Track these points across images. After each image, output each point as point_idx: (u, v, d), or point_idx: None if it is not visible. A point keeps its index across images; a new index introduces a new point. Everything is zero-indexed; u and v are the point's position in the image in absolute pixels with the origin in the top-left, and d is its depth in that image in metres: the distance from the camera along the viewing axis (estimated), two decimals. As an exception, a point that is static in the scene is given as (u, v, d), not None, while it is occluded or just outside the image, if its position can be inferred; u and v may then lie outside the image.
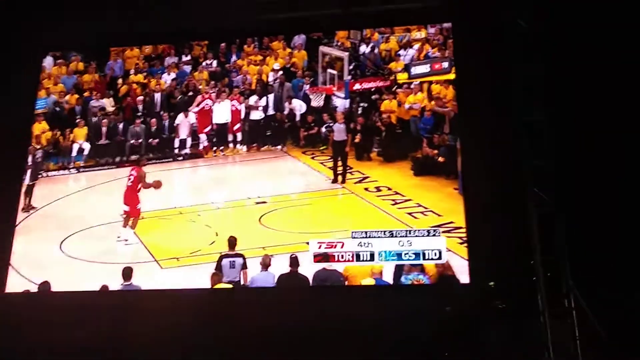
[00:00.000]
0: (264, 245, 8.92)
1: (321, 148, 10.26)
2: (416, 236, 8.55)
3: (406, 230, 8.63)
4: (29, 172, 9.98)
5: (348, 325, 7.95)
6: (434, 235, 8.55)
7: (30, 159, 10.05)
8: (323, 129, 10.25)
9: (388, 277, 8.46)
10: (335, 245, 8.59)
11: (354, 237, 8.62)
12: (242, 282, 8.65)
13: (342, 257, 8.56)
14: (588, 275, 7.98)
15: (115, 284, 8.72)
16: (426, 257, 8.42)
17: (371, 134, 10.00)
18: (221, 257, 8.77)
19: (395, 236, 8.58)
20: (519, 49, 8.60)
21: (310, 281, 8.46)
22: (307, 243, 8.69)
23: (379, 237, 8.60)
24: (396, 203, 9.31)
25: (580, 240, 8.13)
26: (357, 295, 8.65)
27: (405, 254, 8.48)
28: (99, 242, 9.37)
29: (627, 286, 7.90)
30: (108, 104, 10.79)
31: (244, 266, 8.70)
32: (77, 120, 10.63)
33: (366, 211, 9.28)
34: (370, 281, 8.48)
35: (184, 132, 10.68)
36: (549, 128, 8.41)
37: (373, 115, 10.01)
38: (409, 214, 9.08)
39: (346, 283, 8.49)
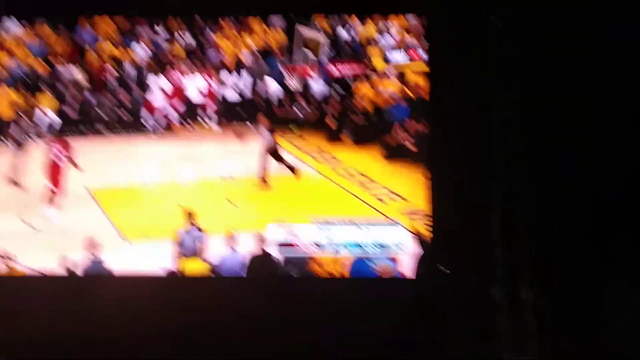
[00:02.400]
0: (232, 223, 8.90)
1: (292, 127, 10.33)
2: (378, 225, 8.61)
3: (368, 221, 8.68)
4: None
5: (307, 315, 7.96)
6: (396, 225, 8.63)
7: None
8: (295, 109, 10.29)
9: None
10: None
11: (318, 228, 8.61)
12: (202, 254, 8.65)
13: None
14: (548, 271, 7.98)
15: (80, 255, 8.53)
16: (387, 249, 8.47)
17: (344, 117, 10.08)
18: (180, 231, 8.76)
19: (357, 226, 8.57)
20: (494, 44, 8.71)
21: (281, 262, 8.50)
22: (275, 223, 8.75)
23: (340, 226, 8.58)
24: (365, 187, 9.44)
25: (543, 236, 8.10)
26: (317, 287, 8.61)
27: (367, 244, 8.52)
28: (62, 215, 9.23)
29: (587, 283, 7.90)
30: (78, 72, 10.55)
31: (203, 238, 8.72)
32: (43, 90, 10.39)
33: (335, 193, 9.41)
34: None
35: (155, 102, 10.58)
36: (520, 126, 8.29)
37: (348, 100, 10.11)
38: (378, 198, 9.23)
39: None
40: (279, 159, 9.77)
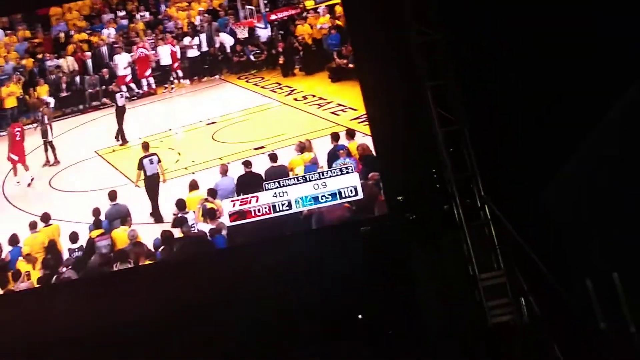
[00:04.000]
0: (221, 156, 10.80)
1: (252, 72, 12.13)
2: (330, 177, 9.22)
3: (319, 173, 9.36)
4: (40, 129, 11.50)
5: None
6: (346, 173, 9.28)
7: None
8: (251, 56, 12.17)
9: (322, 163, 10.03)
10: (250, 201, 9.24)
11: (268, 189, 9.38)
12: (160, 175, 10.39)
13: (259, 211, 9.22)
14: (498, 187, 8.26)
15: (105, 205, 10.48)
16: (343, 196, 9.12)
17: (291, 55, 12.01)
18: (141, 159, 10.51)
19: (309, 180, 9.18)
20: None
21: (264, 177, 10.09)
22: (255, 149, 10.61)
23: (293, 184, 9.24)
24: (321, 106, 11.25)
25: (487, 153, 8.45)
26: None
27: (322, 196, 9.11)
28: (82, 175, 11.15)
29: (535, 193, 8.05)
30: (64, 63, 12.27)
31: (159, 161, 10.51)
32: (37, 80, 12.08)
33: (298, 116, 11.22)
34: (301, 169, 9.73)
35: (121, 69, 12.20)
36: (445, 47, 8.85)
37: (291, 39, 11.98)
38: (332, 112, 11.09)
39: (290, 174, 10.04)
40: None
